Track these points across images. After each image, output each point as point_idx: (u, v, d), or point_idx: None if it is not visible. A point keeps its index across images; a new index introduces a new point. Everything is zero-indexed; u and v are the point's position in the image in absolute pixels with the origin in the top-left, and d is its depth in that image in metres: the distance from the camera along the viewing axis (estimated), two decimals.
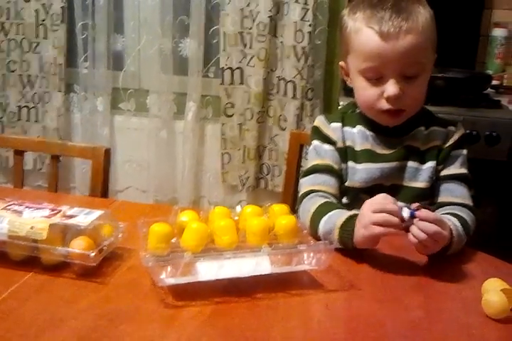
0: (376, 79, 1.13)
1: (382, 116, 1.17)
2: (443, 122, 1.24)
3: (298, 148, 1.63)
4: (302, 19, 2.26)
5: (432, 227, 0.97)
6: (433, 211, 1.03)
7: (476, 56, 2.43)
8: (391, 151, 1.20)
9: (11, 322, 0.82)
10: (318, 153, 1.23)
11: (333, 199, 1.17)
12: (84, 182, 2.45)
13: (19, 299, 0.88)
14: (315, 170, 1.21)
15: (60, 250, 0.95)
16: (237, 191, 2.57)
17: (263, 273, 0.92)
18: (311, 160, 1.24)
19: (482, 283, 0.93)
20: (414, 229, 0.98)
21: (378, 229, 0.98)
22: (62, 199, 1.43)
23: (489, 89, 2.22)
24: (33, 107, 2.63)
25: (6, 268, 0.97)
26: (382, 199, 1.01)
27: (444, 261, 1.05)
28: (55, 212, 1.02)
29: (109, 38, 2.52)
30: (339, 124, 1.23)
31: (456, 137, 1.21)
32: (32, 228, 0.96)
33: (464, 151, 1.22)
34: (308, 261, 0.96)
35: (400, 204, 1.02)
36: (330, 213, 1.09)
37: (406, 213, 0.98)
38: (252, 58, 2.36)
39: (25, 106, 2.64)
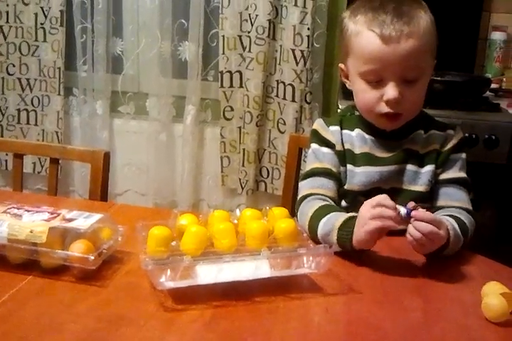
0: (376, 82, 1.13)
1: (380, 119, 1.17)
2: (442, 126, 1.24)
3: (297, 151, 1.63)
4: (301, 23, 2.26)
5: (428, 227, 0.98)
6: (432, 212, 1.05)
7: (475, 59, 2.43)
8: (390, 154, 1.20)
9: (11, 326, 0.82)
10: (317, 157, 1.23)
11: (331, 203, 1.17)
12: (84, 186, 2.45)
13: (19, 302, 0.88)
14: (314, 173, 1.22)
15: (59, 253, 0.95)
16: (237, 194, 2.56)
17: (263, 277, 0.92)
18: (309, 164, 1.24)
19: (481, 287, 0.93)
20: (410, 228, 0.99)
21: (375, 223, 0.99)
22: (62, 203, 1.43)
23: (488, 93, 2.22)
24: (32, 110, 2.63)
25: (6, 272, 0.97)
26: (380, 199, 1.02)
27: (444, 264, 1.05)
28: (55, 215, 1.02)
29: (108, 41, 2.52)
30: (338, 127, 1.23)
31: (454, 141, 1.21)
32: (31, 231, 0.96)
33: (463, 155, 1.22)
34: (307, 265, 0.96)
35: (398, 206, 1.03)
36: (328, 215, 1.10)
37: (403, 211, 1.00)
38: (251, 61, 2.35)
39: (24, 110, 2.63)
